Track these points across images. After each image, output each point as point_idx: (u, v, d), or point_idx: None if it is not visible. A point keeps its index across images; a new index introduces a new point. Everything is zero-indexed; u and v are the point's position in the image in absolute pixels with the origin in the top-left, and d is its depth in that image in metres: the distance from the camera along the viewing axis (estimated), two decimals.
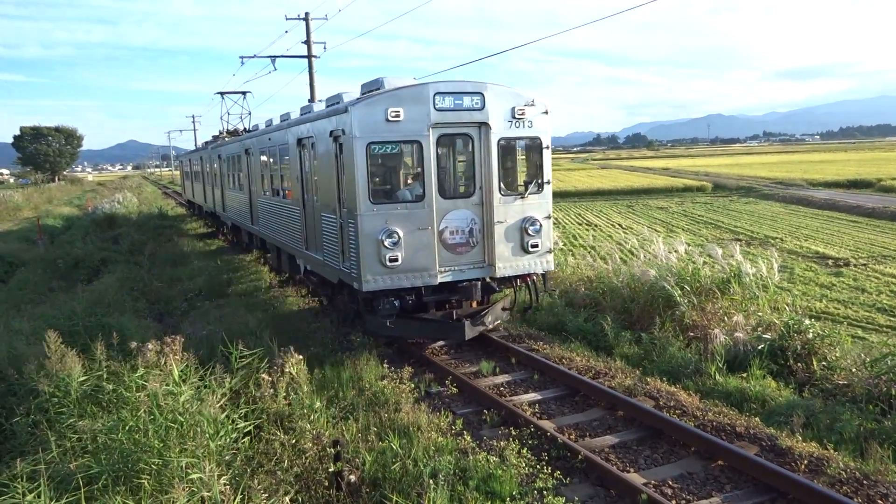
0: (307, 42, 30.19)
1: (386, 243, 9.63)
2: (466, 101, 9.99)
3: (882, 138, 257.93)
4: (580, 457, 7.15)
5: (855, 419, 7.76)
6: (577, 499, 6.44)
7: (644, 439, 7.86)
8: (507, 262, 10.51)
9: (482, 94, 10.07)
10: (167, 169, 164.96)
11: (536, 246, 10.62)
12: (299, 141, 12.73)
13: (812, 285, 18.05)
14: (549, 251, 10.86)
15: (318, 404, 7.42)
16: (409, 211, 9.86)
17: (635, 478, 6.86)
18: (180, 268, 19.88)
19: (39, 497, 5.08)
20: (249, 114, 32.51)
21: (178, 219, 37.75)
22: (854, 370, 8.99)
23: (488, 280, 10.68)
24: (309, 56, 30.22)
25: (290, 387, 7.46)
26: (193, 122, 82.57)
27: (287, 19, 29.97)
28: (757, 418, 8.08)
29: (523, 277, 10.92)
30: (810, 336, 9.67)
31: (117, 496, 5.23)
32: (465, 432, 7.78)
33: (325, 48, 30.99)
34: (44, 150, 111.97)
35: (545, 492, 6.39)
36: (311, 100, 29.17)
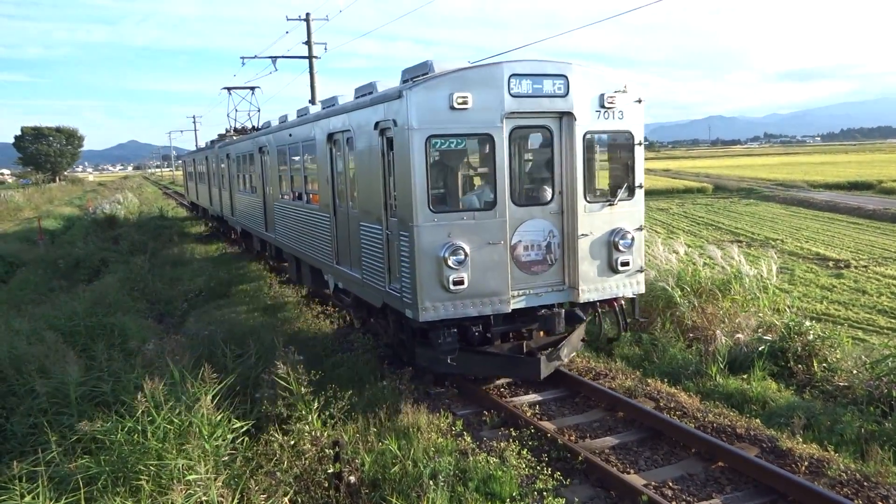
0: (308, 42, 30.21)
1: (450, 262, 7.89)
2: (547, 86, 8.25)
3: (883, 140, 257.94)
4: (580, 458, 7.14)
5: (855, 421, 7.76)
6: (577, 500, 6.43)
7: (644, 440, 7.85)
8: (592, 284, 8.70)
9: (566, 78, 8.30)
10: (168, 169, 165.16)
11: (627, 264, 8.79)
12: (330, 136, 10.97)
13: (813, 287, 18.04)
14: (641, 270, 9.05)
15: (316, 405, 7.41)
16: (477, 221, 8.09)
17: (635, 479, 6.85)
18: (181, 268, 19.88)
19: (37, 498, 5.07)
20: (259, 111, 30.29)
21: (179, 220, 37.70)
22: (855, 372, 8.98)
23: (568, 306, 9.08)
24: (310, 56, 30.24)
25: (289, 387, 7.45)
26: (194, 122, 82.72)
27: (288, 20, 30.03)
28: (757, 420, 8.07)
29: (609, 302, 9.12)
30: (811, 338, 9.66)
31: (116, 497, 5.22)
32: (464, 433, 7.77)
33: (325, 49, 31.03)
34: (45, 151, 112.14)
35: (545, 493, 6.38)
36: (312, 100, 29.18)
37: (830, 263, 21.56)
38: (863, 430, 7.53)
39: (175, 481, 5.03)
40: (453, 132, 7.97)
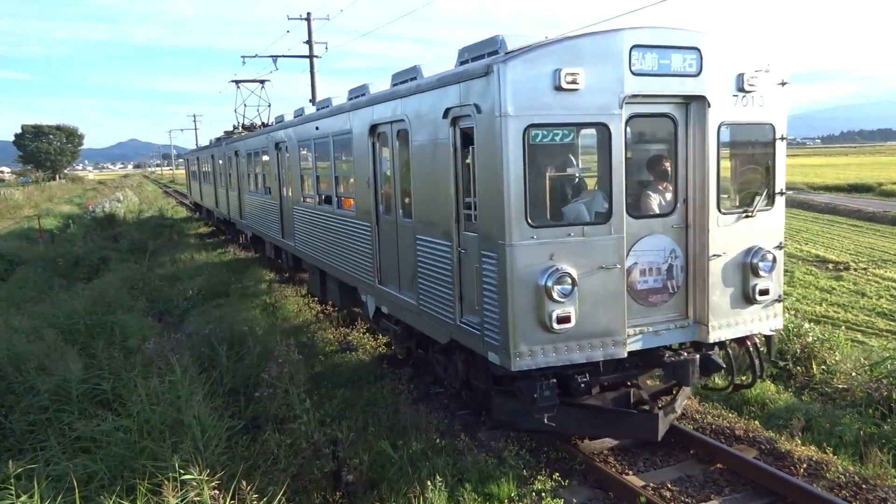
0: (309, 42, 30.26)
1: (554, 293, 6.11)
2: (676, 62, 6.47)
3: (883, 143, 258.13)
4: (579, 459, 7.14)
5: (854, 423, 7.76)
6: (575, 501, 6.44)
7: (643, 442, 7.83)
8: (724, 319, 6.93)
9: (698, 51, 6.52)
10: (168, 168, 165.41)
11: (766, 292, 7.07)
12: (373, 129, 9.10)
13: (812, 289, 18.03)
14: (779, 300, 7.30)
15: (308, 402, 7.42)
16: (587, 239, 6.31)
17: (634, 480, 6.84)
18: (182, 271, 19.86)
19: (32, 498, 5.06)
20: (269, 106, 27.88)
21: (180, 221, 37.64)
22: (854, 374, 8.98)
23: (680, 346, 7.17)
24: (311, 56, 30.28)
25: (288, 386, 7.46)
26: (195, 120, 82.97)
27: (289, 19, 30.10)
28: (756, 421, 8.07)
29: (741, 341, 7.29)
30: (810, 340, 9.66)
31: (112, 496, 5.22)
32: (463, 433, 7.77)
33: (326, 48, 31.08)
34: (45, 149, 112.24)
35: (544, 493, 6.38)
36: (313, 100, 29.18)
37: (830, 266, 21.57)
38: (862, 433, 7.52)
39: (166, 481, 5.02)
40: (559, 120, 6.17)
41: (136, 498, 5.20)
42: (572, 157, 7.15)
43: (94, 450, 6.22)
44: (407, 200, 8.41)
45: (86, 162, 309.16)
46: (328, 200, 11.80)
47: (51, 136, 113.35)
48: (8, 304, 14.85)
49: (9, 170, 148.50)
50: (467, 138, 6.85)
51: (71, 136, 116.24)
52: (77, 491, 5.20)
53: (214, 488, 5.03)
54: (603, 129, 6.30)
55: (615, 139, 6.29)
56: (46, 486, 5.33)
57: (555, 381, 6.39)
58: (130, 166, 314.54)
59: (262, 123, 24.25)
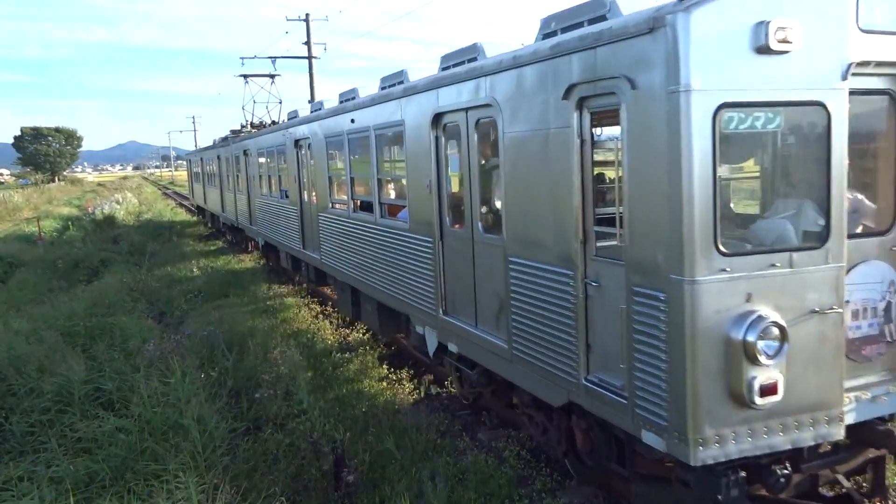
0: (307, 43, 30.31)
1: (758, 353, 4.31)
2: None
3: None
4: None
5: None
6: (575, 500, 6.44)
7: None
8: None
9: None
10: (167, 170, 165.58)
11: None
12: (437, 119, 7.31)
13: None
14: None
15: (308, 402, 7.43)
16: (796, 271, 4.51)
17: None
18: (180, 268, 19.87)
19: (33, 500, 5.08)
20: (280, 102, 25.97)
21: (181, 223, 37.64)
22: None
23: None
24: (309, 57, 30.34)
25: (289, 387, 7.48)
26: (194, 122, 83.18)
27: (288, 20, 30.16)
28: None
29: None
30: None
31: (110, 496, 5.24)
32: (463, 434, 7.79)
33: (325, 49, 31.12)
34: (44, 151, 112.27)
35: (544, 493, 6.39)
36: (312, 100, 29.21)
37: None
38: None
39: (157, 483, 5.04)
40: (762, 98, 4.38)
41: (132, 499, 5.22)
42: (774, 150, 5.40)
43: (95, 451, 6.24)
44: (486, 210, 6.84)
45: (85, 164, 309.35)
46: (367, 207, 9.92)
47: (50, 139, 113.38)
48: (8, 307, 14.86)
49: (8, 172, 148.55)
50: (625, 127, 4.98)
51: (70, 137, 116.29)
52: (72, 494, 5.20)
53: (203, 491, 5.03)
54: (819, 111, 4.51)
55: (836, 125, 4.51)
56: (47, 488, 5.35)
57: (744, 474, 4.61)
58: (129, 168, 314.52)
59: (272, 121, 23.32)
